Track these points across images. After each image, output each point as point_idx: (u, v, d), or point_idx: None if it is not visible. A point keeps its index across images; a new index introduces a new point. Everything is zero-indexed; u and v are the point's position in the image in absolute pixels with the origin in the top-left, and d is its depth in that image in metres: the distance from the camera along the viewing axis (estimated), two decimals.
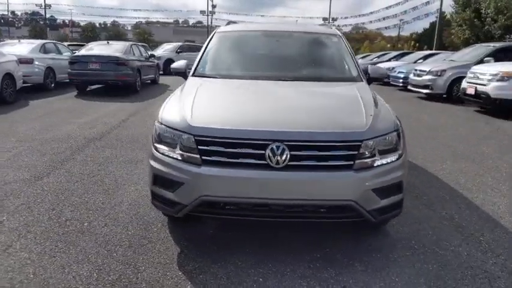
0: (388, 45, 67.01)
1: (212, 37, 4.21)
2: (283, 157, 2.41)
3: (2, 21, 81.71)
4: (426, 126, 7.55)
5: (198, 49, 26.54)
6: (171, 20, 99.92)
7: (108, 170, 4.62)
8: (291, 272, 2.60)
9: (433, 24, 49.08)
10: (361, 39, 69.73)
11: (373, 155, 2.53)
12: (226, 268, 2.63)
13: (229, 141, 2.46)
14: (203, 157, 2.48)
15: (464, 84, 9.99)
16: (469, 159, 5.49)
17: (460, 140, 6.68)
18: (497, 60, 10.60)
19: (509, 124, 8.25)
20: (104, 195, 3.87)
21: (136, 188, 4.07)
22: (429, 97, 12.18)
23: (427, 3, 42.94)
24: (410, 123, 7.69)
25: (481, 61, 10.84)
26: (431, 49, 29.26)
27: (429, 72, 11.97)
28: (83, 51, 13.09)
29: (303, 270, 2.63)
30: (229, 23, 4.94)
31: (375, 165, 2.54)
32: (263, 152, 2.42)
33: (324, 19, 56.45)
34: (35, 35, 58.30)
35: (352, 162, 2.48)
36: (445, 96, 11.77)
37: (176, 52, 21.93)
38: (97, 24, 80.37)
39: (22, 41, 14.01)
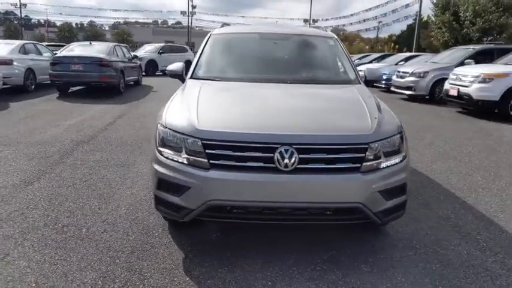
0: (367, 47, 68.15)
1: (208, 39, 4.16)
2: (292, 160, 2.41)
3: None
4: (412, 128, 7.68)
5: (179, 50, 26.15)
6: (150, 21, 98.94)
7: (101, 174, 4.52)
8: (299, 275, 2.60)
9: (410, 27, 50.10)
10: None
11: (378, 158, 2.56)
12: (233, 272, 2.61)
13: (237, 145, 2.44)
14: (211, 161, 2.46)
15: (447, 85, 10.21)
16: (456, 159, 5.62)
17: (446, 140, 6.82)
18: (477, 62, 10.89)
19: (491, 125, 8.48)
20: (99, 200, 3.78)
21: (132, 192, 4.00)
22: (412, 98, 12.38)
23: (407, 5, 43.78)
24: None
25: (462, 63, 11.10)
26: (410, 51, 29.89)
27: (412, 74, 12.18)
28: (64, 52, 12.83)
29: (310, 272, 2.64)
30: (223, 25, 4.91)
31: (381, 167, 2.57)
32: (272, 155, 2.42)
33: (305, 21, 56.79)
34: (10, 35, 56.69)
35: (359, 165, 2.50)
36: (427, 97, 12.00)
37: (158, 53, 21.68)
38: (74, 24, 78.88)
39: (0, 41, 13.60)
